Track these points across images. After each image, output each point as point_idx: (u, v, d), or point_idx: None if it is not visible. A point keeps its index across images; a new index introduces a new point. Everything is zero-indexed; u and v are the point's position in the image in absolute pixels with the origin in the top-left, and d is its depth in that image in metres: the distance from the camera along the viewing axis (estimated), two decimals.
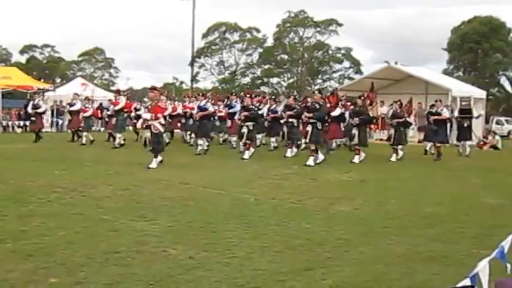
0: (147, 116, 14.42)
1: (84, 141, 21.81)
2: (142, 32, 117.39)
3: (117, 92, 22.47)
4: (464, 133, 20.27)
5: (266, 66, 74.58)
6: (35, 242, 6.30)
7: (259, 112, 18.76)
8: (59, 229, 6.98)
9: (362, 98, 17.86)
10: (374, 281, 5.29)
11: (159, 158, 14.21)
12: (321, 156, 15.85)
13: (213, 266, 5.56)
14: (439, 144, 18.70)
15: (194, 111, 19.37)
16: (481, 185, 12.68)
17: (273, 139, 20.71)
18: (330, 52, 73.46)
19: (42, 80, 39.56)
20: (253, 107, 18.25)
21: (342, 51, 73.14)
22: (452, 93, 25.67)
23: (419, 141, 24.61)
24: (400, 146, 18.34)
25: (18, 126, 32.20)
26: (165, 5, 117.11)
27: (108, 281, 5.09)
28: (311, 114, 15.85)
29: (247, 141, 17.46)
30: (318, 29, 72.45)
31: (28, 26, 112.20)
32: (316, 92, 17.19)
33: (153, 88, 14.95)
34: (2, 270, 5.27)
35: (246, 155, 17.11)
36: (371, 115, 17.55)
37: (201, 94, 20.83)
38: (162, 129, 14.42)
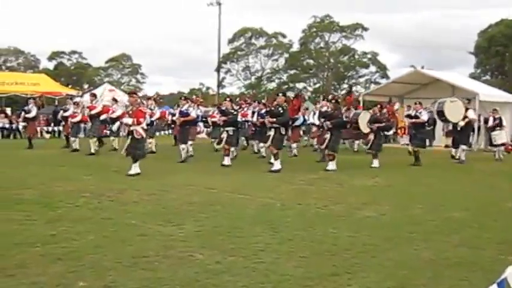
0: (128, 121, 13.75)
1: (77, 147, 20.76)
2: (168, 38, 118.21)
3: (94, 96, 21.32)
4: (461, 137, 19.40)
5: (292, 72, 74.58)
6: (64, 246, 6.38)
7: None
8: (87, 233, 7.07)
9: (334, 100, 16.91)
10: (400, 287, 5.28)
11: (137, 168, 13.54)
12: (278, 165, 14.90)
13: (239, 271, 5.59)
14: (416, 149, 17.83)
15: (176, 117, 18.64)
16: (508, 189, 12.56)
17: (261, 144, 19.41)
18: (356, 57, 73.28)
19: (69, 86, 39.97)
20: (233, 111, 17.32)
21: (368, 56, 72.90)
22: (479, 97, 25.41)
23: (446, 146, 24.44)
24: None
25: (47, 132, 32.55)
26: (191, 11, 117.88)
27: (135, 285, 5.14)
28: (274, 119, 14.97)
29: (226, 147, 16.61)
30: (344, 33, 72.33)
31: (56, 33, 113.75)
32: (280, 94, 16.06)
33: (133, 93, 14.49)
34: (32, 274, 5.35)
35: (226, 161, 16.34)
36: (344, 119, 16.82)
37: (183, 98, 19.45)
38: (144, 135, 13.91)
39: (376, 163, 16.75)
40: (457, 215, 9.10)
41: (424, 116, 18.07)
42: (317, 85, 75.35)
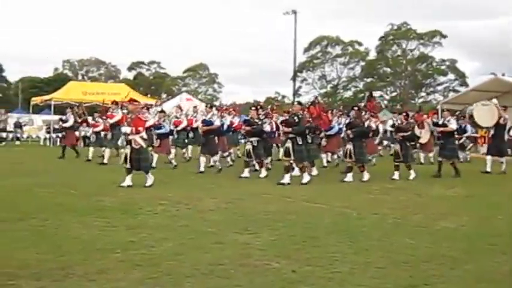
0: (127, 129, 12.80)
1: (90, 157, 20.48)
2: (245, 47, 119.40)
3: (115, 104, 20.04)
4: (491, 145, 18.34)
5: (368, 80, 74.10)
6: (143, 253, 6.51)
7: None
8: (165, 240, 7.19)
9: (356, 108, 15.90)
10: None
11: (151, 178, 12.96)
12: (306, 177, 14.16)
13: (315, 281, 5.57)
14: (451, 161, 16.62)
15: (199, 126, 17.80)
16: None
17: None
18: (434, 64, 72.15)
19: (148, 96, 40.77)
20: (258, 120, 16.04)
21: (447, 63, 71.70)
22: None
23: None
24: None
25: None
26: (267, 20, 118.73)
27: None
28: (290, 129, 14.12)
29: (257, 160, 15.75)
30: (421, 41, 71.41)
31: (136, 44, 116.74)
32: (296, 103, 15.14)
33: (132, 100, 13.54)
34: (111, 279, 5.49)
35: (246, 173, 15.31)
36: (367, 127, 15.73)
37: (208, 106, 18.78)
38: (143, 144, 13.02)
39: (413, 174, 15.65)
40: None
41: (453, 125, 17.04)
42: (394, 93, 74.57)
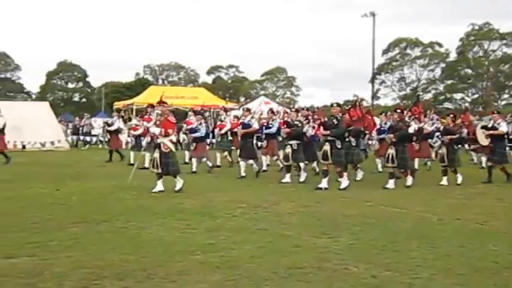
0: (156, 130, 12.59)
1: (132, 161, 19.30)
2: (322, 50, 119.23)
3: (151, 107, 18.84)
4: None
5: (449, 82, 72.57)
6: (222, 255, 6.60)
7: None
8: (244, 243, 7.26)
9: (399, 110, 15.10)
10: None
11: (181, 181, 12.58)
12: (345, 182, 13.52)
13: (395, 286, 5.52)
14: (501, 166, 15.54)
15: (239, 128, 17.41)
16: None
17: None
18: None
19: (227, 99, 41.20)
20: (298, 122, 15.39)
21: None
22: None
23: None
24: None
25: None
26: (345, 22, 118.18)
27: None
28: (328, 132, 13.58)
29: (294, 164, 15.04)
30: (504, 41, 69.36)
31: (214, 48, 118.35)
32: (335, 104, 14.13)
33: (162, 102, 13.07)
34: (192, 281, 5.59)
35: (302, 177, 14.85)
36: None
37: (245, 109, 18.23)
38: (173, 148, 12.67)
39: (459, 179, 14.82)
40: None
41: (503, 127, 15.85)
42: (475, 96, 72.78)
